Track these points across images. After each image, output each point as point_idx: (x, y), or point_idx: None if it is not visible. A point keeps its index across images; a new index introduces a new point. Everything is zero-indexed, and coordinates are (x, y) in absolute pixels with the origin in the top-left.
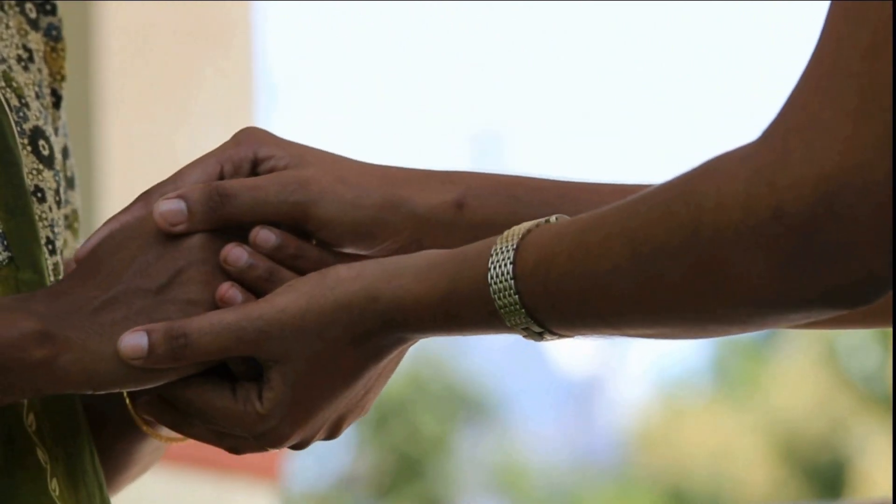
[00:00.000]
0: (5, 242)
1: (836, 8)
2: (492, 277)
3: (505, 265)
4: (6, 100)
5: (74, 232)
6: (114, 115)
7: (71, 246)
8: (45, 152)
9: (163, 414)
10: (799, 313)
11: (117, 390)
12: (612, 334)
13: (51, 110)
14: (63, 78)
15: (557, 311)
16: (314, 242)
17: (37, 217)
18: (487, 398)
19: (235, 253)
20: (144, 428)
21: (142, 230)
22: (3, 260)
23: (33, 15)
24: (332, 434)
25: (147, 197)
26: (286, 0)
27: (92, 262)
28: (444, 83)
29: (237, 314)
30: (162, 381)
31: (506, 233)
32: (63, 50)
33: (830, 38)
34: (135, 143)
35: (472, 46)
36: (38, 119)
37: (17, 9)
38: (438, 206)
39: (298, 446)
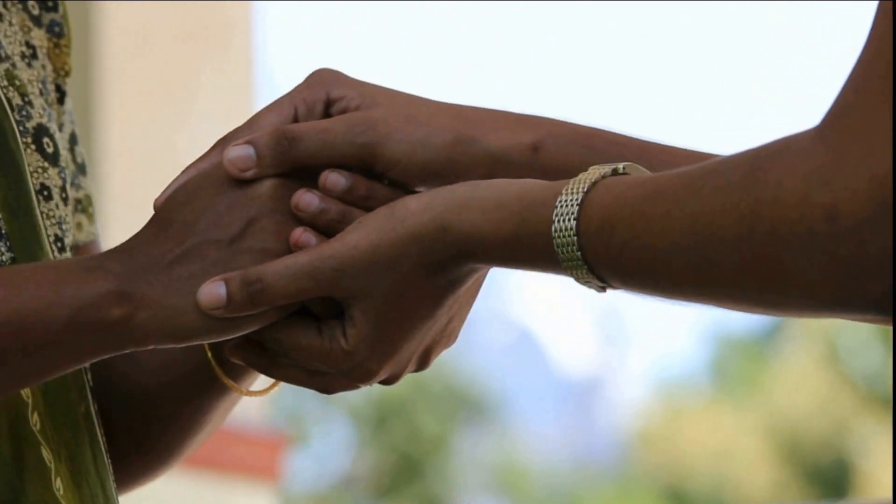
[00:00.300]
0: (8, 244)
1: (884, 7)
2: (556, 230)
3: (569, 220)
4: (8, 99)
5: (90, 216)
6: (114, 114)
7: (86, 230)
8: (50, 150)
9: (252, 357)
10: (852, 315)
11: (199, 342)
12: (673, 300)
13: (55, 106)
14: (67, 73)
15: (618, 273)
16: (385, 183)
17: (43, 216)
18: (487, 398)
19: (306, 198)
20: (224, 380)
21: (213, 179)
22: (6, 261)
23: (36, 11)
24: (421, 365)
25: (223, 143)
26: (286, 0)
27: (164, 214)
28: (444, 83)
29: (310, 255)
30: (243, 331)
31: (573, 181)
32: (67, 46)
33: (883, 38)
34: (135, 143)
35: (473, 46)
36: (41, 117)
37: (19, 6)
38: (513, 146)
39: (388, 381)
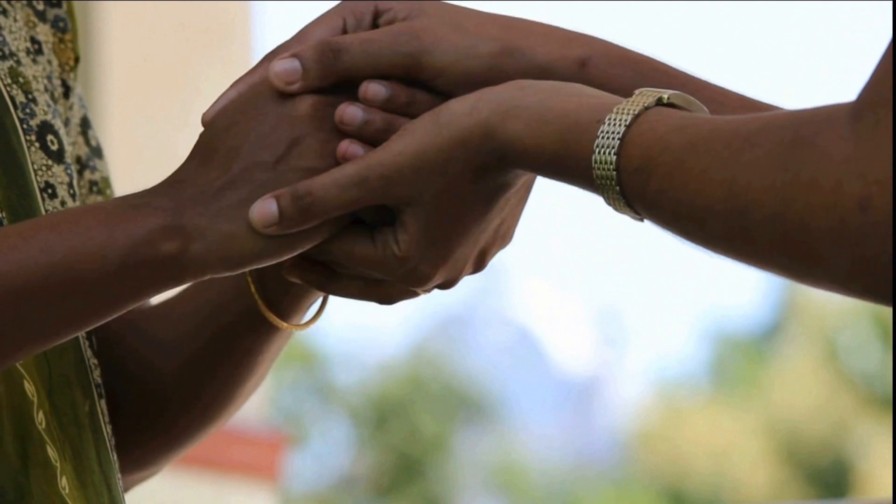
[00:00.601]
0: None
1: None
2: (595, 161)
3: (610, 153)
4: (11, 97)
5: (107, 198)
6: (114, 114)
7: None
8: (54, 147)
9: (309, 275)
10: (881, 303)
11: (255, 266)
12: (706, 251)
13: (61, 101)
14: (73, 67)
15: (653, 215)
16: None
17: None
18: (486, 398)
19: (350, 111)
20: (270, 316)
21: (254, 100)
22: None
23: (40, 7)
24: (477, 267)
25: (270, 57)
26: (286, 0)
27: (207, 141)
28: None
29: (357, 165)
30: (298, 250)
31: (616, 109)
32: (72, 40)
33: None
34: (135, 144)
35: None
36: (45, 114)
37: (24, 1)
38: (560, 60)
39: (446, 285)
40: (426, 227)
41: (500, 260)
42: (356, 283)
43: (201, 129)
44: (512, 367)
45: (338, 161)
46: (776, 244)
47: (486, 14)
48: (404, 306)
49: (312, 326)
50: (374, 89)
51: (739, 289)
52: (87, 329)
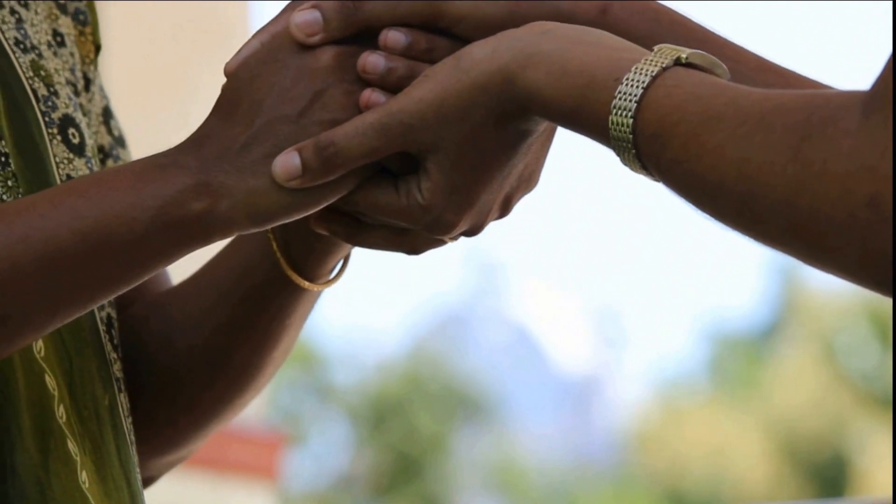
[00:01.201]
0: None
1: None
2: (612, 122)
3: (626, 116)
4: (33, 90)
5: None
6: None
7: None
8: (76, 140)
9: (336, 226)
10: (886, 294)
11: (282, 221)
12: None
13: (82, 94)
14: (94, 58)
15: (668, 181)
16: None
17: None
18: (485, 397)
19: (372, 59)
20: (294, 277)
21: (275, 53)
22: None
23: (62, 0)
24: (503, 213)
25: (293, 7)
26: (285, 0)
27: (229, 96)
28: None
29: (378, 113)
30: (323, 202)
31: (634, 69)
32: (91, 33)
33: None
34: (134, 143)
35: None
36: (67, 107)
37: None
38: (581, 6)
39: (471, 231)
40: (449, 174)
41: (499, 259)
42: (382, 233)
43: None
44: (510, 367)
45: (360, 111)
46: (785, 229)
47: None
48: (402, 305)
49: (309, 327)
50: (394, 36)
51: (738, 289)
52: (120, 292)
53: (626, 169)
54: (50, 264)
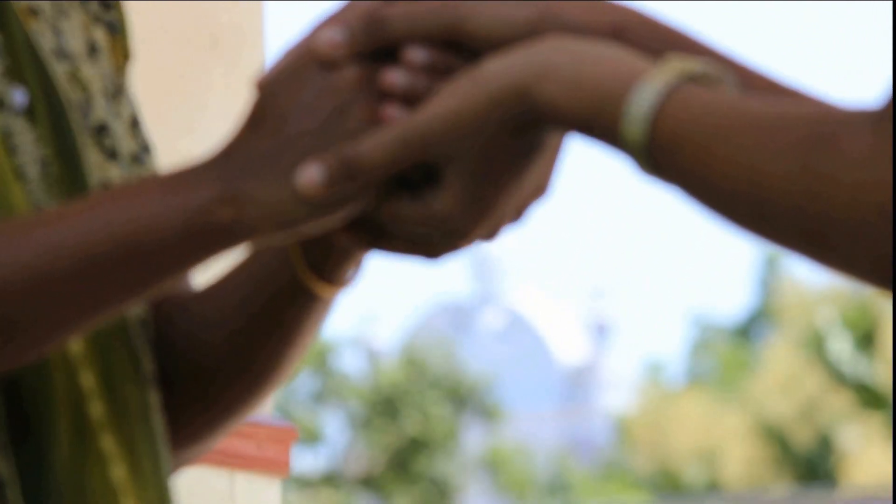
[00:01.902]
0: None
1: None
2: (627, 133)
3: (639, 128)
4: (70, 99)
5: None
6: None
7: None
8: (110, 147)
9: (357, 234)
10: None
11: (305, 230)
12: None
13: (115, 101)
14: (123, 69)
15: (682, 189)
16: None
17: None
18: (482, 385)
19: (393, 76)
20: (312, 281)
21: (299, 69)
22: None
23: (95, 10)
24: (517, 219)
25: (320, 27)
26: (297, 1)
27: (256, 111)
28: None
29: (398, 127)
30: (344, 213)
31: (647, 80)
32: (121, 42)
33: None
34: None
35: None
36: (102, 114)
37: (82, 2)
38: (597, 26)
39: (487, 237)
40: (467, 184)
41: (496, 249)
42: (402, 239)
43: (211, 136)
44: (505, 353)
45: (382, 125)
46: (798, 234)
47: None
48: (399, 295)
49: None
50: (415, 53)
51: (726, 278)
52: (149, 296)
53: (641, 176)
54: (82, 270)
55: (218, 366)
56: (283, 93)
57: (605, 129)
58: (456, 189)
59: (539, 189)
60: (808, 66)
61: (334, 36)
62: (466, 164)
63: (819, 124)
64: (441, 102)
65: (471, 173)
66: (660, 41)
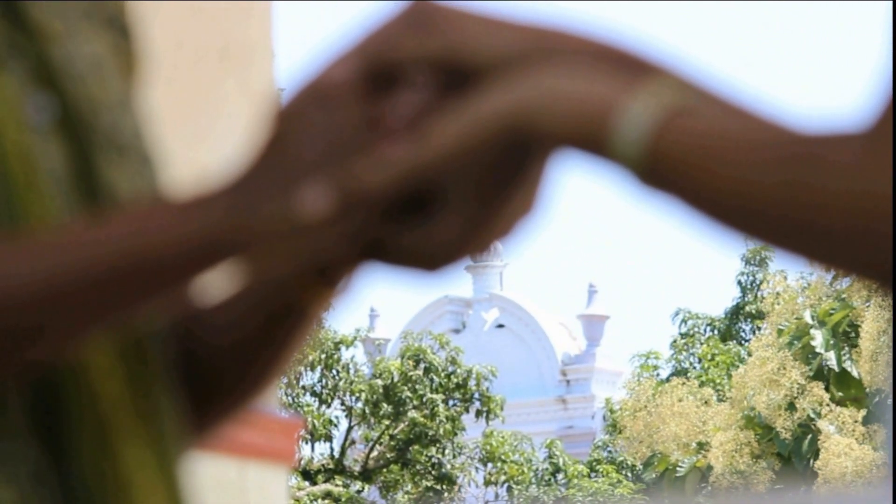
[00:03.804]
0: None
1: None
2: (622, 151)
3: (630, 151)
4: (88, 111)
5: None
6: None
7: None
8: (131, 163)
9: (360, 252)
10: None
11: (308, 254)
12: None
13: (129, 114)
14: (136, 82)
15: (675, 198)
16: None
17: None
18: (477, 375)
19: (394, 103)
20: (321, 291)
21: (305, 104)
22: None
23: (115, 32)
24: (506, 234)
25: (326, 63)
26: (307, 2)
27: (268, 136)
28: None
29: (397, 150)
30: (346, 235)
31: (643, 98)
32: (135, 55)
33: None
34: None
35: None
36: (118, 128)
37: (91, 12)
38: (587, 52)
39: (478, 252)
40: (463, 205)
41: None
42: (402, 256)
43: (222, 150)
44: (499, 343)
45: (382, 153)
46: (794, 242)
47: (516, 22)
48: (397, 288)
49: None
50: (414, 80)
51: (711, 270)
52: (155, 307)
53: (633, 190)
54: (92, 285)
55: (225, 366)
56: (290, 125)
57: (598, 152)
58: (453, 210)
59: (528, 205)
60: (775, 73)
61: (338, 74)
62: (463, 187)
63: (806, 144)
64: (438, 128)
65: (468, 195)
66: (638, 69)
